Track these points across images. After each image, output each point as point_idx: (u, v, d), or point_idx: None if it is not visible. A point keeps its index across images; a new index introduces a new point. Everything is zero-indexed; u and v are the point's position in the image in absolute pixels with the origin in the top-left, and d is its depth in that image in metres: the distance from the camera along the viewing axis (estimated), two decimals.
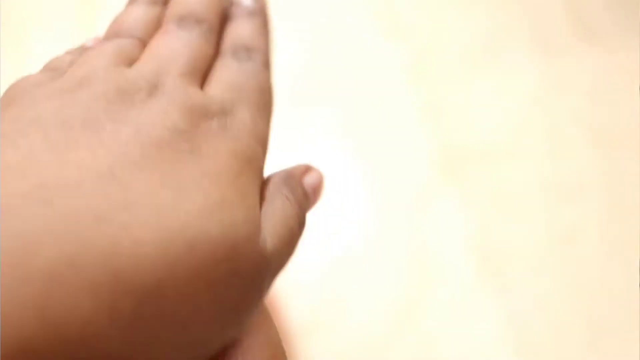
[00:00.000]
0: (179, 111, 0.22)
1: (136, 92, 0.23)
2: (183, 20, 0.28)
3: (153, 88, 0.23)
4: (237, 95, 0.26)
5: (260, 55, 0.29)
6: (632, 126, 0.79)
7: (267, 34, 0.31)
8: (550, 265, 0.73)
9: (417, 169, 0.77)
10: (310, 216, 0.74)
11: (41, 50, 0.83)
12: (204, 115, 0.23)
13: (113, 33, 0.28)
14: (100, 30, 0.85)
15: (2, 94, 0.25)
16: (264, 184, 0.25)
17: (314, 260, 0.72)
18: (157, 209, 0.18)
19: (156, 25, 0.29)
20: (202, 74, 0.26)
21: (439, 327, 0.70)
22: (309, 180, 0.28)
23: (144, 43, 0.28)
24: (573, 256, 0.73)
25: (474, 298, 0.71)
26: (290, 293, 0.70)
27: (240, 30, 0.30)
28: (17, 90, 0.23)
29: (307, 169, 0.28)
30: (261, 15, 0.31)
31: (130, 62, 0.26)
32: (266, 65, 0.29)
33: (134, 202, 0.18)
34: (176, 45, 0.26)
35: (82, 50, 0.28)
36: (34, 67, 0.81)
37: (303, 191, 0.27)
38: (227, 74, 0.27)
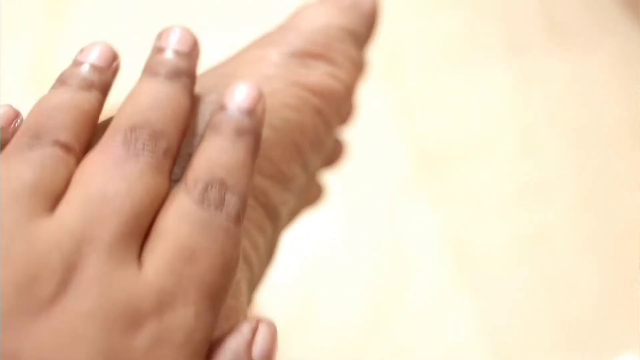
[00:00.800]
0: (95, 327, 0.17)
1: (43, 286, 0.17)
2: (133, 131, 0.21)
3: (67, 273, 0.18)
4: (183, 275, 0.19)
5: (236, 200, 0.22)
6: (605, 126, 0.80)
7: (251, 169, 0.23)
8: (524, 263, 0.73)
9: (390, 169, 0.77)
10: None
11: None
12: (131, 322, 0.18)
13: (32, 129, 0.21)
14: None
15: None
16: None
17: (288, 261, 0.72)
18: None
19: (92, 120, 0.23)
20: (144, 230, 0.20)
21: (413, 327, 0.70)
22: (258, 349, 0.21)
23: (73, 153, 0.21)
24: (546, 254, 0.74)
25: (449, 297, 0.71)
26: (265, 295, 0.70)
27: (220, 154, 0.22)
28: None
29: (253, 331, 0.21)
30: (252, 138, 0.23)
31: (51, 200, 0.20)
32: (238, 219, 0.22)
33: None
34: (116, 186, 0.20)
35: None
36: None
37: None
38: (180, 231, 0.20)
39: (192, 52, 0.25)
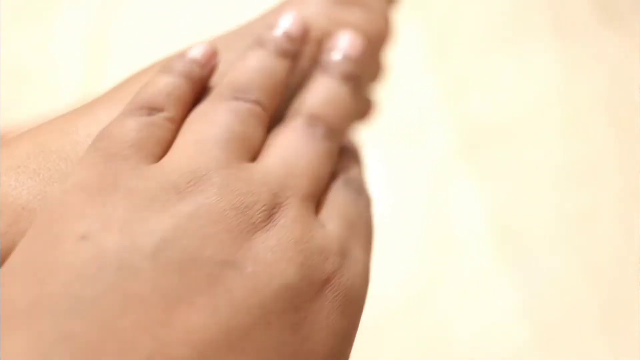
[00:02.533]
0: (296, 262, 0.20)
1: (256, 212, 0.21)
2: (314, 119, 0.25)
3: (273, 208, 0.21)
4: (351, 232, 0.24)
5: (363, 177, 0.27)
6: None
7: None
8: (566, 243, 0.74)
9: (435, 147, 0.78)
10: None
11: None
12: (322, 257, 0.21)
13: (236, 84, 0.25)
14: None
15: (96, 141, 0.22)
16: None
17: None
18: None
19: (282, 87, 0.26)
20: (322, 192, 0.24)
21: (456, 302, 0.71)
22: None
23: (268, 114, 0.25)
24: (589, 235, 0.74)
25: (491, 274, 0.72)
26: None
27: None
28: (106, 169, 0.21)
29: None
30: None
31: (252, 151, 0.23)
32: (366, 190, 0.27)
33: None
34: (306, 156, 0.24)
35: (187, 65, 0.25)
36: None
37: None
38: (342, 206, 0.24)
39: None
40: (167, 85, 0.24)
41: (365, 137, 0.77)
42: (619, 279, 0.72)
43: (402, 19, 0.83)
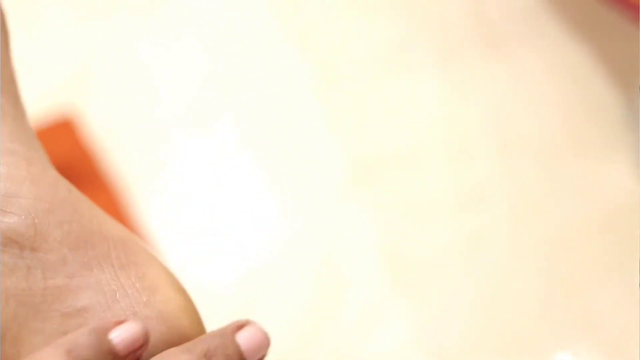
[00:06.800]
0: None
1: None
2: None
3: None
4: None
5: None
6: (538, 131, 0.81)
7: None
8: (460, 269, 0.74)
9: (326, 177, 0.77)
10: (221, 228, 0.74)
11: None
12: None
13: None
14: None
15: None
16: None
17: (227, 271, 0.72)
18: None
19: None
20: None
21: (351, 336, 0.70)
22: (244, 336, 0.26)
23: None
24: (481, 259, 0.75)
25: (386, 304, 0.72)
26: (204, 304, 0.69)
27: None
28: None
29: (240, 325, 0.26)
30: None
31: None
32: None
33: None
34: None
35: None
36: None
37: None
38: None
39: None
40: None
41: (255, 171, 0.76)
42: (513, 302, 0.73)
43: (289, 53, 0.83)
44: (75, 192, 0.25)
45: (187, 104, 0.79)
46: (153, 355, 0.23)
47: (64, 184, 0.25)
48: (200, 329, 0.26)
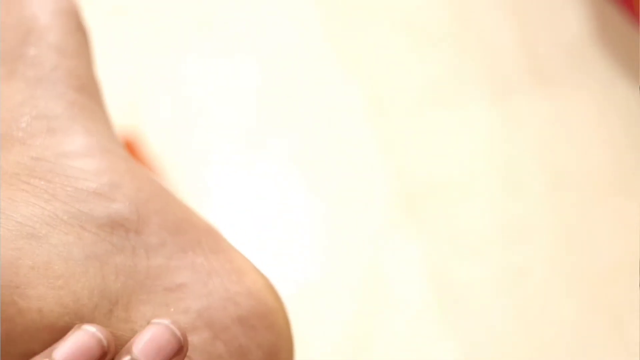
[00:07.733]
0: None
1: None
2: None
3: None
4: None
5: None
6: (586, 167, 0.82)
7: None
8: (503, 300, 0.74)
9: (375, 205, 0.79)
10: (268, 251, 0.75)
11: None
12: None
13: None
14: None
15: None
16: None
17: None
18: None
19: None
20: None
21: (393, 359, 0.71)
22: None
23: None
24: (525, 292, 0.75)
25: (430, 332, 0.72)
26: None
27: None
28: None
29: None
30: None
31: None
32: None
33: None
34: None
35: None
36: None
37: None
38: None
39: None
40: None
41: (306, 195, 0.77)
42: (553, 337, 0.73)
43: (343, 82, 0.85)
44: (165, 186, 0.28)
45: (237, 126, 0.81)
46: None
47: (156, 179, 0.28)
48: (282, 306, 0.29)
